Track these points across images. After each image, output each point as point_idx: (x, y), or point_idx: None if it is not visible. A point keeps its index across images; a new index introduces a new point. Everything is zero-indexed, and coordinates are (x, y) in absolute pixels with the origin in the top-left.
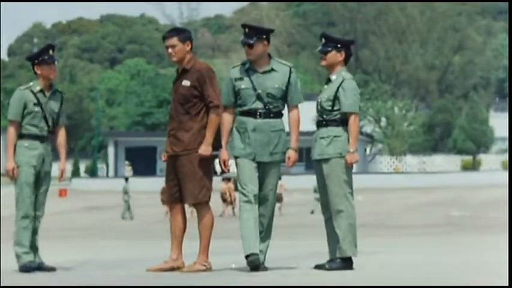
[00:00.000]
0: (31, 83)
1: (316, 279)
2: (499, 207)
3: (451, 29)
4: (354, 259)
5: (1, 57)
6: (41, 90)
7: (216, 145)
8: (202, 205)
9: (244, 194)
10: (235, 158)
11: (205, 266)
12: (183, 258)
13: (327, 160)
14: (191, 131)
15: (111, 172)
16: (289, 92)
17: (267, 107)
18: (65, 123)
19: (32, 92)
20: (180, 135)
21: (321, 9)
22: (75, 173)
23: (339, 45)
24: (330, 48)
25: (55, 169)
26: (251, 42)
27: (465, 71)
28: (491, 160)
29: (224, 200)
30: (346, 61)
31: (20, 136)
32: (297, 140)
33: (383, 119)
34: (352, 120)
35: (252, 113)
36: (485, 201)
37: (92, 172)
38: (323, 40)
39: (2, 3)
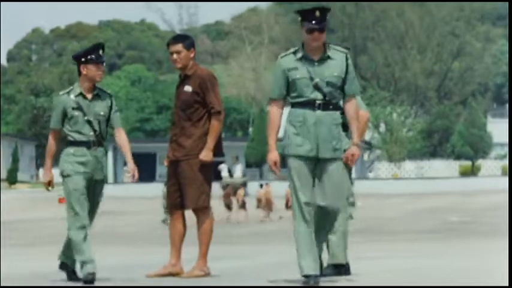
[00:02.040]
0: (71, 87)
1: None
2: (498, 212)
3: (450, 35)
4: (351, 265)
5: (1, 63)
6: (81, 94)
7: (217, 151)
8: (202, 211)
9: (298, 207)
10: (288, 157)
11: (204, 271)
12: (182, 264)
13: None
14: (193, 137)
15: (110, 178)
16: (347, 81)
17: (326, 98)
18: (120, 124)
19: (71, 96)
20: (182, 141)
21: None
22: None
23: None
24: None
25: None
26: (323, 27)
27: (464, 77)
28: (489, 166)
29: (259, 206)
30: None
31: (66, 143)
32: (359, 134)
33: (382, 125)
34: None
35: (310, 104)
36: (485, 206)
37: None
38: None
39: (1, 8)
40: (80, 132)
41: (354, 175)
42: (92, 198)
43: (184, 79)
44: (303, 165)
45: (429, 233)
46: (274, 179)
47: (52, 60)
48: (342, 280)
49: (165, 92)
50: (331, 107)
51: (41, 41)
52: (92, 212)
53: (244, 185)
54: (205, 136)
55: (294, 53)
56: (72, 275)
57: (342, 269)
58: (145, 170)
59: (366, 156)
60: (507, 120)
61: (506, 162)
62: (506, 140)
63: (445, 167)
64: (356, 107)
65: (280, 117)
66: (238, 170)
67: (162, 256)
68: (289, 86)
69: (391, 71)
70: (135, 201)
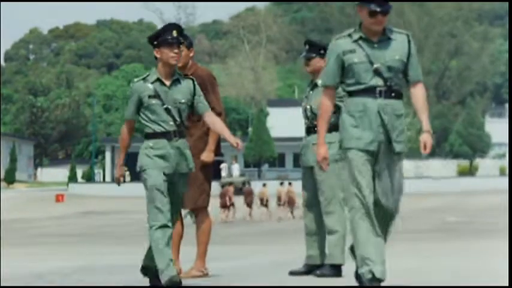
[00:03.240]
0: (148, 73)
1: (312, 283)
2: (496, 212)
3: (448, 35)
4: (345, 265)
5: (1, 63)
6: (158, 79)
7: (216, 151)
8: (201, 211)
9: (361, 203)
10: (347, 150)
11: (202, 271)
12: (180, 264)
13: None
14: (193, 137)
15: (108, 177)
16: (410, 65)
17: (387, 84)
18: (207, 109)
19: (147, 83)
20: None
21: (319, 15)
22: (72, 178)
23: (321, 52)
24: (313, 55)
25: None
26: (387, 9)
27: (462, 76)
28: (487, 166)
29: (279, 205)
30: None
31: (145, 136)
32: (428, 121)
33: None
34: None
35: (370, 92)
36: (482, 206)
37: (89, 177)
38: (307, 46)
39: (0, 8)
40: (158, 123)
41: None
42: (175, 192)
43: None
44: (364, 158)
45: (428, 233)
46: (273, 178)
47: (49, 59)
48: (341, 280)
49: None
50: (393, 94)
51: (39, 41)
52: (175, 207)
53: (244, 184)
54: (205, 136)
55: (350, 35)
56: (155, 279)
57: (339, 269)
58: None
59: None
60: (506, 120)
61: (504, 162)
62: (504, 139)
63: (442, 167)
64: (424, 92)
65: (332, 108)
66: (236, 169)
67: None
68: (345, 71)
69: None
70: (133, 201)
